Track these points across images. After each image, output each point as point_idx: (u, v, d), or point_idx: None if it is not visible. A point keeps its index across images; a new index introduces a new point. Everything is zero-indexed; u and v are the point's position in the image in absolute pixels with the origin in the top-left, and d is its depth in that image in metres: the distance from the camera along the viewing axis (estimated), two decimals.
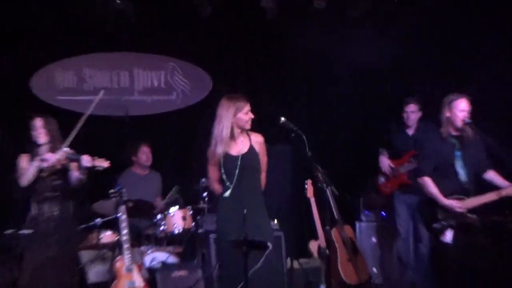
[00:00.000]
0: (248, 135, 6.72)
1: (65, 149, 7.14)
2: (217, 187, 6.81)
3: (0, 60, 9.40)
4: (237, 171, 6.65)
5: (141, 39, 10.04)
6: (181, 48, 10.29)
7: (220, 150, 6.58)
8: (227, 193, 6.66)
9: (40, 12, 9.50)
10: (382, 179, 9.51)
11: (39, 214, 7.19)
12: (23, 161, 7.18)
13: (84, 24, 9.76)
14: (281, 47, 10.50)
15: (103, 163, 7.25)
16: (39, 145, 7.25)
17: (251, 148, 6.72)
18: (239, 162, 6.66)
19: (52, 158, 7.10)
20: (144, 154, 9.51)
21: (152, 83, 10.22)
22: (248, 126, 6.68)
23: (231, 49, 10.48)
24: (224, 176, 6.66)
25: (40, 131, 7.24)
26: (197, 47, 10.35)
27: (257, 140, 6.80)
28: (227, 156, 6.64)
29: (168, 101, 10.26)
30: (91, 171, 7.25)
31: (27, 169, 7.10)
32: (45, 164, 7.09)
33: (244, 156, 6.69)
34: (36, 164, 7.08)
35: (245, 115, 6.63)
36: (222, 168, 6.65)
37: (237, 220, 6.47)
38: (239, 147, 6.71)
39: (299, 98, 10.64)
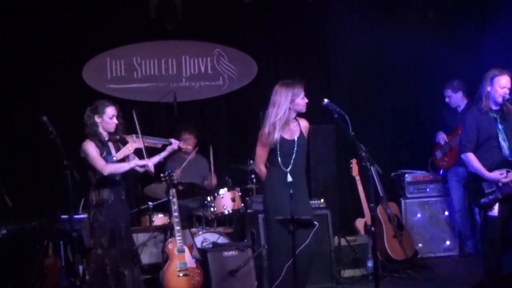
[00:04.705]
0: (297, 120, 6.89)
1: (136, 137, 7.26)
2: (263, 169, 6.94)
3: (51, 51, 9.67)
4: (294, 155, 6.82)
5: (187, 27, 10.20)
6: (226, 35, 10.40)
7: (277, 135, 6.72)
8: (290, 178, 6.80)
9: (89, 2, 9.76)
10: (439, 154, 9.76)
11: (112, 198, 7.09)
12: (93, 150, 6.99)
13: (132, 14, 9.98)
14: (325, 31, 10.59)
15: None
16: (112, 133, 7.13)
17: (302, 132, 6.89)
18: (295, 146, 6.84)
19: (149, 161, 7.18)
20: (184, 141, 9.48)
21: (199, 70, 10.35)
22: (304, 110, 6.84)
23: (275, 34, 10.57)
24: (279, 160, 6.80)
25: (114, 120, 7.08)
26: (242, 33, 10.48)
27: (305, 124, 6.97)
28: (283, 140, 6.78)
29: (215, 87, 10.37)
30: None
31: (120, 166, 7.04)
32: (150, 167, 7.17)
33: (298, 140, 6.86)
34: (132, 166, 7.10)
35: (302, 100, 6.80)
36: (278, 152, 6.78)
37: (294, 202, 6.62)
38: (292, 131, 6.86)
39: (341, 82, 10.74)
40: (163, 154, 7.42)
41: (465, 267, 9.01)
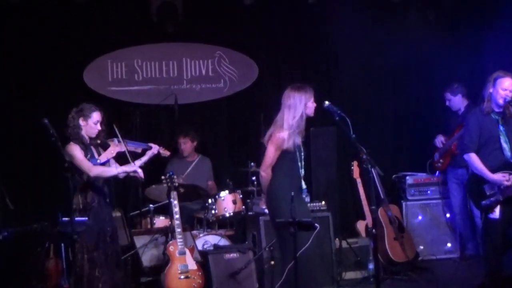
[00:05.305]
0: None
1: (118, 141, 7.22)
2: (270, 173, 6.79)
3: (52, 52, 9.67)
4: (303, 161, 6.81)
5: (188, 29, 10.20)
6: (227, 37, 10.39)
7: (297, 139, 6.67)
8: (304, 185, 6.84)
9: (90, 4, 9.75)
10: (436, 156, 9.81)
11: (97, 201, 7.08)
12: (78, 152, 6.97)
13: (133, 16, 9.98)
14: (326, 33, 10.58)
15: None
16: (92, 138, 7.12)
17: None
18: (302, 152, 6.83)
19: (137, 167, 7.16)
20: (180, 146, 9.65)
21: (200, 72, 10.33)
22: (312, 114, 6.80)
23: (275, 36, 10.56)
24: (300, 165, 6.76)
25: (98, 126, 7.07)
26: (242, 35, 10.47)
27: None
28: (298, 145, 6.75)
29: (216, 89, 10.36)
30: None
31: (107, 170, 7.05)
32: (139, 174, 7.18)
33: (302, 145, 6.85)
34: (120, 172, 7.10)
35: (312, 103, 6.76)
36: (298, 157, 6.72)
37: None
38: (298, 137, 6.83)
39: (341, 84, 10.73)
40: (144, 158, 7.39)
41: (466, 269, 9.01)
